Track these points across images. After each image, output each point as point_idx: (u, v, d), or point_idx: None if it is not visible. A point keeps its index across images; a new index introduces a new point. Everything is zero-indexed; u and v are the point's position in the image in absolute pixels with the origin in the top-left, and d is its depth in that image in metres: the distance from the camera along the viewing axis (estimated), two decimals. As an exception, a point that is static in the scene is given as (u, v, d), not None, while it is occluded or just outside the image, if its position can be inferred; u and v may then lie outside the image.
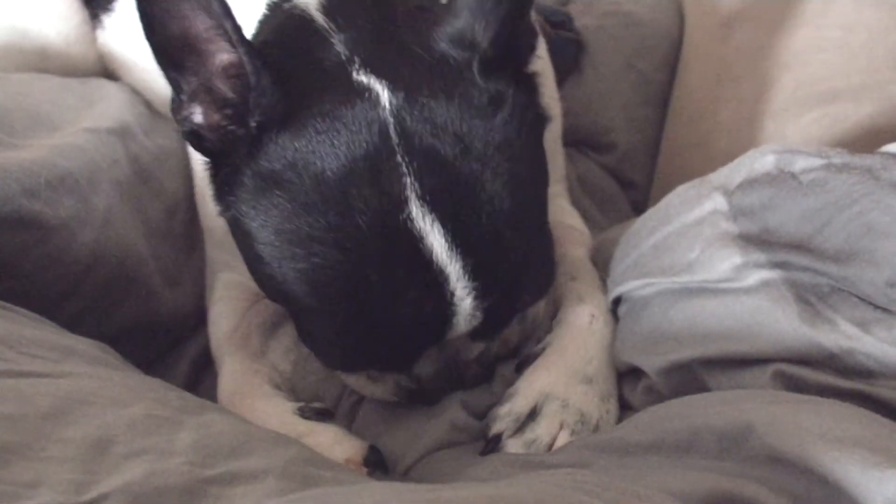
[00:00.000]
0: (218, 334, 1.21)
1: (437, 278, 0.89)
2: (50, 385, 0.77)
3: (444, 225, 0.88)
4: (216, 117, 0.94)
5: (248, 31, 1.04)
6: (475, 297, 0.91)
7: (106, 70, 1.51)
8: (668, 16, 1.65)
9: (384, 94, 0.92)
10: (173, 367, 1.24)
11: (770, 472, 0.72)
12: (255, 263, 0.98)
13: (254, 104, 0.91)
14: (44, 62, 1.46)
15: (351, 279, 0.90)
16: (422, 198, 0.88)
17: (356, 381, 1.09)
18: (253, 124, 0.92)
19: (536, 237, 0.99)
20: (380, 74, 0.93)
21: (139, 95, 1.41)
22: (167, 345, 1.27)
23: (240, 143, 0.94)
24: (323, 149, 0.90)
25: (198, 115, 0.94)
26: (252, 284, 1.05)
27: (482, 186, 0.90)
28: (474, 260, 0.90)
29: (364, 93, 0.92)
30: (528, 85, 1.00)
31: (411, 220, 0.88)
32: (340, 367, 1.07)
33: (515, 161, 0.93)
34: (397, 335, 0.94)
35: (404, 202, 0.88)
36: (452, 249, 0.89)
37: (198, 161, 1.11)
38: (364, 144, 0.90)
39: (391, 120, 0.91)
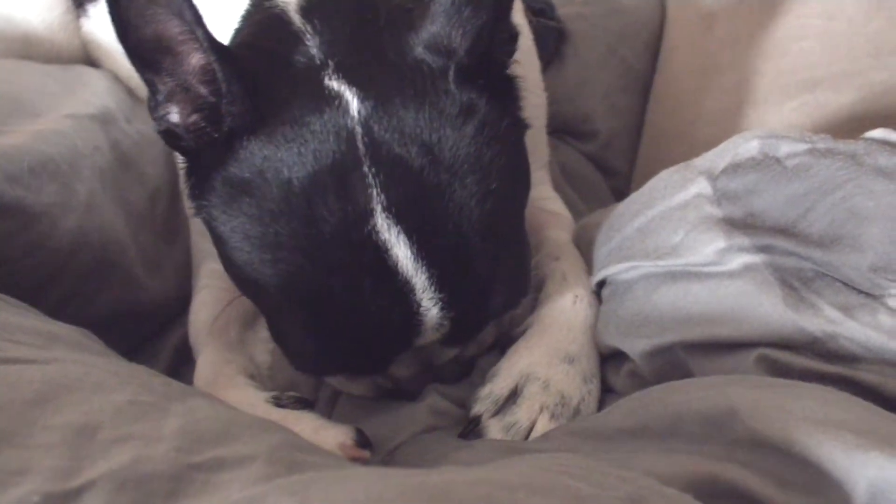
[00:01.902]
0: (197, 323, 1.22)
1: (402, 289, 0.89)
2: (35, 371, 0.77)
3: (409, 236, 0.88)
4: (193, 118, 0.93)
5: (231, 26, 1.03)
6: (441, 308, 0.91)
7: (89, 58, 1.51)
8: (649, 4, 1.66)
9: (353, 103, 0.91)
10: (155, 355, 1.25)
11: (754, 455, 0.72)
12: (227, 264, 0.98)
13: (225, 111, 0.90)
14: (27, 49, 1.46)
15: (316, 287, 0.90)
16: (387, 209, 0.87)
17: (333, 379, 1.10)
18: (225, 129, 0.91)
19: (508, 248, 0.97)
20: (351, 81, 0.92)
21: (121, 83, 1.41)
22: (149, 333, 1.28)
23: (213, 145, 0.93)
24: (291, 157, 0.89)
25: (174, 115, 0.93)
26: None
27: (450, 198, 0.89)
28: (440, 271, 0.89)
29: (334, 100, 0.91)
30: (506, 90, 0.99)
31: (376, 232, 0.87)
32: (312, 371, 1.08)
33: (486, 172, 0.91)
34: (365, 342, 0.94)
35: (370, 214, 0.87)
36: (418, 261, 0.88)
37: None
38: (331, 154, 0.89)
39: (359, 129, 0.90)
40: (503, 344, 1.08)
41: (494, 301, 0.96)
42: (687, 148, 1.31)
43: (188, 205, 1.01)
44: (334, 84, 0.92)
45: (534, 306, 1.11)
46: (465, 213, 0.90)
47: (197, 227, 1.25)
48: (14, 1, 1.47)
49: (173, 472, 0.68)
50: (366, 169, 0.88)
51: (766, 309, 0.89)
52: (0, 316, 0.88)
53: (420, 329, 0.92)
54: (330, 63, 0.94)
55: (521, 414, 0.99)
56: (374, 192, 0.88)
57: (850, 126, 1.21)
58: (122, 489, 0.66)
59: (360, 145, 0.89)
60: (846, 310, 0.87)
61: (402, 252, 0.88)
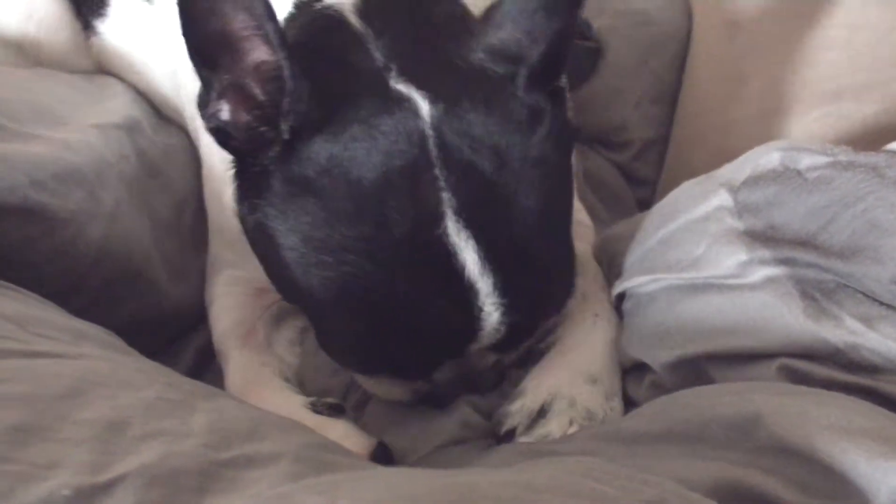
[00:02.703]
0: (221, 329, 1.21)
1: (466, 293, 0.89)
2: (63, 366, 0.77)
3: (478, 241, 0.88)
4: (245, 117, 0.92)
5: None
6: (502, 314, 0.91)
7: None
8: (677, 14, 1.66)
9: (424, 105, 0.91)
10: (176, 358, 1.24)
11: (778, 461, 0.73)
12: (276, 268, 0.97)
13: (288, 108, 0.89)
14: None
15: (380, 290, 0.89)
16: (458, 213, 0.87)
17: (368, 383, 1.09)
18: (285, 128, 0.90)
19: (561, 252, 0.98)
20: (419, 84, 0.92)
21: (144, 95, 1.42)
22: (170, 338, 1.28)
23: (269, 145, 0.92)
24: (359, 157, 0.88)
25: (225, 113, 0.92)
26: (254, 279, 1.05)
27: (517, 203, 0.90)
28: (504, 277, 0.89)
29: (403, 102, 0.91)
30: (560, 98, 0.99)
31: (447, 235, 0.87)
32: (358, 370, 1.07)
33: (549, 177, 0.93)
34: (420, 346, 0.93)
35: (441, 217, 0.87)
36: (484, 266, 0.88)
37: (214, 159, 1.09)
38: (402, 155, 0.88)
39: (430, 132, 0.89)
40: (524, 361, 1.09)
41: (548, 305, 0.97)
42: (712, 157, 1.32)
43: (216, 212, 1.01)
44: (401, 87, 0.92)
45: (556, 322, 1.12)
46: (529, 218, 0.90)
47: (219, 237, 1.26)
48: (21, 29, 1.45)
49: (202, 468, 0.69)
50: (437, 172, 0.88)
51: (788, 320, 0.90)
52: (26, 310, 0.89)
53: (478, 334, 0.92)
54: (393, 66, 0.94)
55: (553, 426, 0.99)
56: (446, 196, 0.87)
57: (873, 137, 1.22)
58: (153, 484, 0.66)
59: (433, 147, 0.89)
60: (867, 321, 0.87)
61: (469, 256, 0.88)
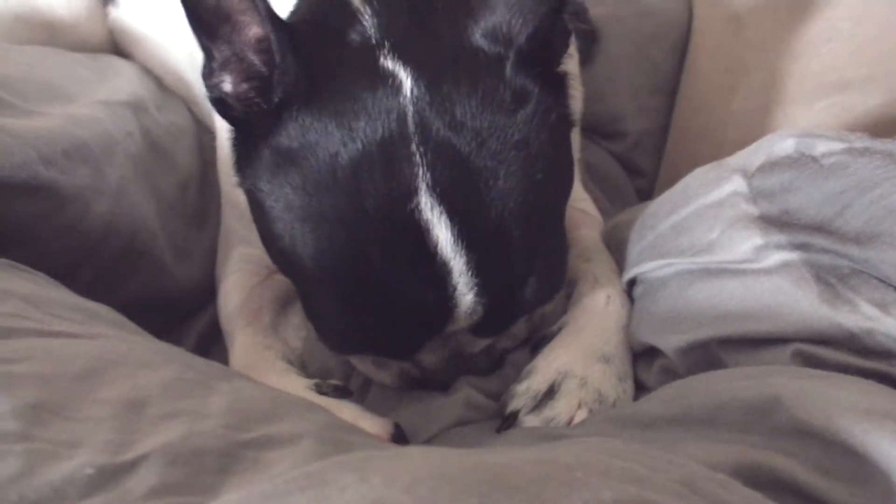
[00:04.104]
0: (229, 307, 1.21)
1: (439, 271, 0.89)
2: (80, 346, 0.77)
3: (451, 218, 0.88)
4: (244, 87, 0.94)
5: (286, 9, 1.04)
6: (476, 294, 0.91)
7: (116, 49, 1.51)
8: (678, 4, 1.67)
9: (407, 82, 0.92)
10: (179, 343, 1.23)
11: (798, 444, 0.72)
12: (266, 237, 0.99)
13: (277, 81, 0.92)
14: (52, 38, 1.46)
15: (353, 261, 0.90)
16: (432, 189, 0.88)
17: (362, 365, 1.10)
18: (274, 100, 0.92)
19: (547, 241, 0.98)
20: (407, 61, 0.93)
21: (149, 73, 1.41)
22: (174, 320, 1.27)
23: (262, 116, 0.94)
24: (340, 130, 0.90)
25: (227, 84, 0.94)
26: (266, 260, 1.05)
27: (494, 184, 0.90)
28: (478, 257, 0.89)
29: (388, 78, 0.92)
30: (556, 85, 0.99)
31: (419, 210, 0.88)
32: (342, 349, 1.07)
33: (532, 162, 0.92)
34: (397, 323, 0.94)
35: (414, 191, 0.88)
36: (457, 244, 0.88)
37: (223, 131, 1.10)
38: (381, 130, 0.90)
39: (411, 108, 0.90)
40: (535, 344, 1.09)
41: (529, 293, 0.96)
42: (714, 148, 1.32)
43: (232, 177, 1.01)
44: (389, 63, 0.93)
45: (565, 307, 1.12)
46: (507, 201, 0.90)
47: (233, 210, 1.26)
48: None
49: (223, 448, 0.69)
50: (414, 147, 0.89)
51: (803, 305, 0.89)
52: (40, 291, 0.88)
53: (453, 314, 0.92)
54: (386, 43, 0.95)
55: (560, 408, 0.99)
56: (421, 171, 0.88)
57: (879, 129, 1.21)
58: (175, 463, 0.66)
59: (411, 124, 0.90)
60: (883, 306, 0.87)
61: (442, 234, 0.88)
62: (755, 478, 0.71)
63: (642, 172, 1.61)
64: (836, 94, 1.31)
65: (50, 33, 1.46)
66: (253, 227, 1.03)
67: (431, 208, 0.88)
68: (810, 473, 0.71)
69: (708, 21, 1.57)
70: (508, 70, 0.93)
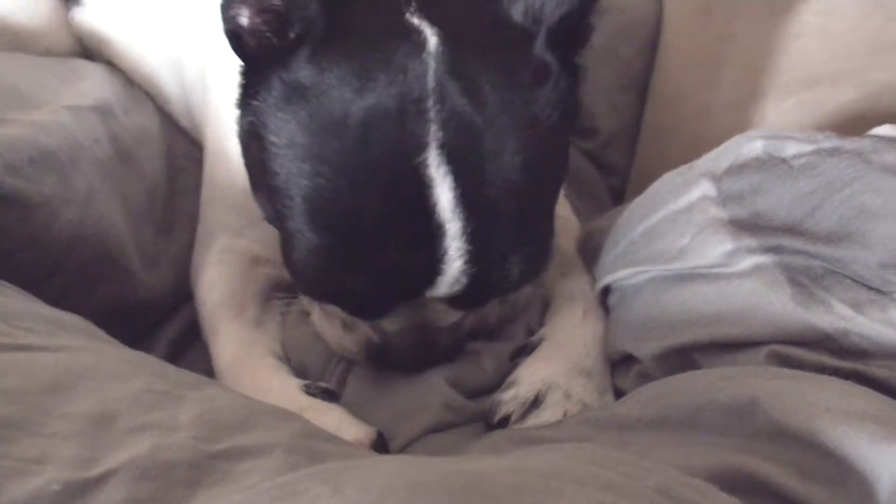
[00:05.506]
0: (212, 299, 1.19)
1: (434, 231, 0.88)
2: (48, 359, 0.76)
3: (455, 180, 0.87)
4: (258, 20, 0.93)
5: None
6: (465, 262, 0.90)
7: (84, 52, 1.49)
8: (647, 1, 1.66)
9: (432, 40, 0.91)
10: (150, 350, 1.21)
11: (776, 446, 0.72)
12: (259, 174, 0.97)
13: (295, 15, 0.91)
14: (16, 45, 1.43)
15: (350, 209, 0.89)
16: (441, 147, 0.87)
17: (330, 330, 1.08)
18: (292, 35, 0.91)
19: (539, 223, 0.98)
20: (433, 21, 0.93)
21: (117, 75, 1.39)
22: (143, 329, 1.26)
23: (275, 52, 0.93)
24: (357, 77, 0.89)
25: (244, 18, 0.93)
26: (249, 250, 1.04)
27: (501, 156, 0.89)
28: (475, 224, 0.89)
29: (412, 34, 0.92)
30: (573, 74, 0.99)
31: (425, 166, 0.87)
32: (316, 294, 1.06)
33: (540, 141, 0.92)
34: (378, 277, 0.92)
35: (423, 147, 0.87)
36: (457, 207, 0.88)
37: (226, 118, 1.07)
38: (399, 82, 0.89)
39: (432, 66, 0.90)
40: (514, 353, 1.09)
41: (514, 270, 0.95)
42: (686, 144, 1.32)
43: (223, 167, 0.99)
44: (416, 20, 0.93)
45: (541, 320, 1.13)
46: (511, 175, 0.90)
47: (223, 200, 1.24)
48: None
49: (194, 460, 0.68)
50: (430, 104, 0.88)
51: (777, 307, 0.89)
52: (7, 302, 0.87)
53: (438, 277, 0.91)
54: (414, 2, 0.94)
55: (548, 416, 0.99)
56: (433, 129, 0.87)
57: (850, 124, 1.22)
58: (144, 478, 0.65)
59: (431, 81, 0.89)
60: (856, 306, 0.88)
61: (444, 194, 0.87)
62: (733, 481, 0.70)
63: (614, 170, 1.61)
64: (807, 90, 1.31)
65: (13, 41, 1.44)
66: (246, 214, 1.01)
67: (437, 166, 0.87)
68: (789, 476, 0.70)
69: (676, 15, 1.57)
70: (536, 46, 0.93)
